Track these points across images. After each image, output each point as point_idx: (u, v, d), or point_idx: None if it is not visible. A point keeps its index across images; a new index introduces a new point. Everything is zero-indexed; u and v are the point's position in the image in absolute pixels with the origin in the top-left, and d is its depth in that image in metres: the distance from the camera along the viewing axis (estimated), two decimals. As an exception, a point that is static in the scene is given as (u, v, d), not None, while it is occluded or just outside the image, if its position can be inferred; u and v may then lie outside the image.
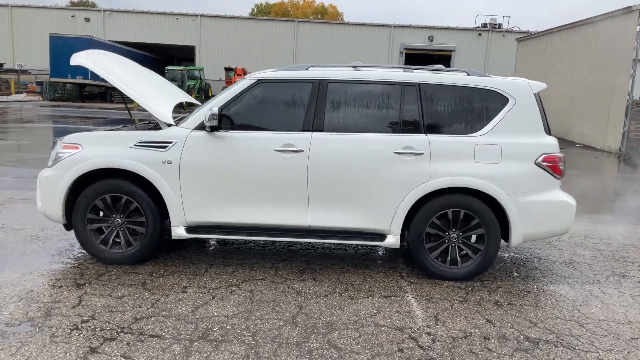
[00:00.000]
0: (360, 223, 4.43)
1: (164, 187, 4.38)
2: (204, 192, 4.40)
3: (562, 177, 4.48)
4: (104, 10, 39.60)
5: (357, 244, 4.70)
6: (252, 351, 3.15)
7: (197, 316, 3.60)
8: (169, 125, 4.51)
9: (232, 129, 4.44)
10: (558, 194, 4.45)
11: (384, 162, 4.34)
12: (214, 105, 4.44)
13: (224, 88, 32.34)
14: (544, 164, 4.38)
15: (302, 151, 4.34)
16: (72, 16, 38.92)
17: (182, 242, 5.20)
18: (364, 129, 4.44)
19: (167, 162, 4.36)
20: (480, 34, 39.03)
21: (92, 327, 3.38)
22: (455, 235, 4.47)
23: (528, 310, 3.93)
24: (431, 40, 39.29)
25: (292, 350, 3.19)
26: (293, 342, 3.29)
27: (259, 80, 4.50)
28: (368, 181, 4.35)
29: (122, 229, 4.52)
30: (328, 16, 67.72)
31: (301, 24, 40.21)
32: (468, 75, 4.56)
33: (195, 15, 39.31)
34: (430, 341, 3.38)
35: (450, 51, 39.04)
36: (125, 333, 3.32)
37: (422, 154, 4.35)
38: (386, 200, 4.37)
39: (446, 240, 4.49)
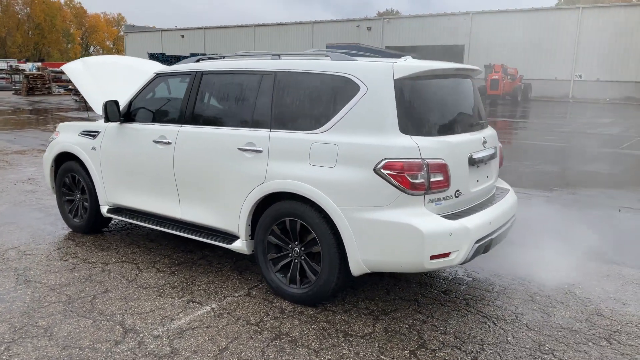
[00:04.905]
0: (216, 221, 4.20)
1: (92, 169, 5.08)
2: (114, 177, 4.91)
3: (419, 191, 3.25)
4: (383, 19, 42.72)
5: (216, 245, 4.28)
6: (-1, 313, 3.58)
7: (31, 279, 4.18)
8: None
9: (136, 121, 4.80)
10: (405, 213, 3.25)
11: (229, 158, 4.01)
12: (127, 100, 4.88)
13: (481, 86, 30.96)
14: (385, 172, 3.27)
15: (170, 143, 4.39)
16: (357, 26, 43.34)
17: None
18: (223, 122, 4.18)
19: (93, 149, 5.04)
20: None
21: (-34, 270, 4.37)
22: (298, 250, 3.78)
23: (299, 355, 3.10)
24: None
25: (20, 318, 3.48)
26: (36, 314, 3.56)
27: (157, 74, 4.73)
28: (217, 178, 4.10)
29: (81, 202, 5.44)
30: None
31: (587, 10, 34.77)
32: (331, 59, 3.74)
33: (467, 13, 38.50)
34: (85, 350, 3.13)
35: None
36: (-29, 279, 4.18)
37: (261, 151, 3.83)
38: (232, 200, 4.02)
39: (289, 255, 3.84)
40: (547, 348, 3.21)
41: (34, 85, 31.78)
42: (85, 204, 5.32)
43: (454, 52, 39.60)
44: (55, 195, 5.71)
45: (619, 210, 6.61)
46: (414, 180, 3.23)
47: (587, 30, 34.62)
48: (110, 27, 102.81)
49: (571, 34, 35.03)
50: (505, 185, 4.48)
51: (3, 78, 38.92)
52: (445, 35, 39.16)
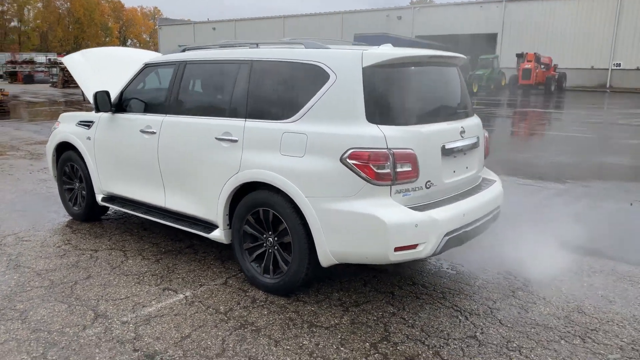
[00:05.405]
0: (197, 210, 4.24)
1: (87, 158, 5.20)
2: (107, 166, 5.01)
3: (385, 181, 3.18)
4: (414, 7, 42.02)
5: (196, 233, 4.29)
6: (-17, 296, 3.72)
7: (21, 264, 4.33)
8: (98, 107, 5.28)
9: (127, 111, 4.87)
10: (371, 204, 3.19)
11: (207, 147, 4.02)
12: (119, 90, 4.96)
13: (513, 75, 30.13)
14: (351, 161, 3.22)
15: (155, 133, 4.44)
16: (387, 16, 42.74)
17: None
18: (203, 112, 4.20)
19: (88, 138, 5.15)
20: None
21: (-37, 254, 4.56)
22: (271, 240, 3.77)
23: (259, 344, 3.10)
24: None
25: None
26: (17, 297, 3.68)
27: (145, 64, 4.78)
28: (197, 167, 4.13)
29: (79, 191, 5.58)
30: None
31: (627, -4, 33.21)
32: (305, 48, 3.69)
33: (501, 0, 37.43)
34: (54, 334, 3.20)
35: None
36: (-34, 263, 4.36)
37: (236, 141, 3.83)
38: (211, 189, 4.04)
39: (264, 244, 3.83)
40: (515, 345, 3.11)
41: (70, 78, 32.72)
42: (84, 192, 5.46)
43: (486, 41, 38.58)
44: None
45: (631, 204, 6.32)
46: (380, 171, 3.16)
47: (626, 16, 33.13)
48: (146, 20, 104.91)
49: (609, 21, 33.59)
50: (492, 176, 4.34)
51: (42, 71, 40.31)
52: (478, 24, 38.18)
